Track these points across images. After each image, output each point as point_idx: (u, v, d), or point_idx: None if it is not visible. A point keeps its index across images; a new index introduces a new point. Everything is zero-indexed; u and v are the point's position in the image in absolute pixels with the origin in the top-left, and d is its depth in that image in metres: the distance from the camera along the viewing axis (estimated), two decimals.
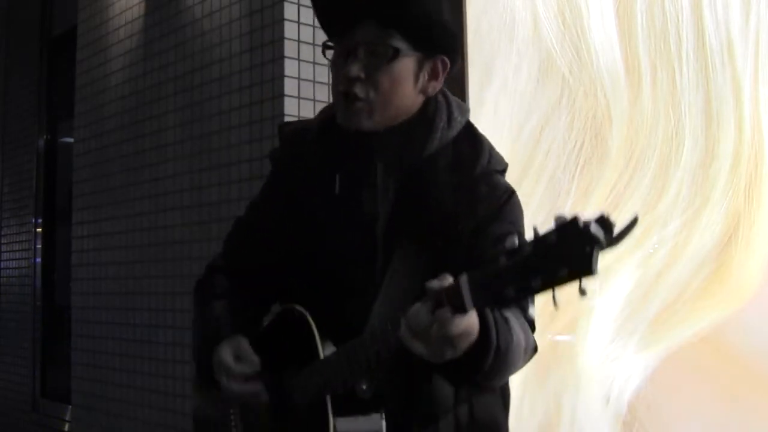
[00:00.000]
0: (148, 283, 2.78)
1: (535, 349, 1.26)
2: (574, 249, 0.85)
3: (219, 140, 2.50)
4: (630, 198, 1.88)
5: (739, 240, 1.74)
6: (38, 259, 4.29)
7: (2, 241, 4.63)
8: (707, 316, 1.78)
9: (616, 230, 0.86)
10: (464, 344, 1.02)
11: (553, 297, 0.89)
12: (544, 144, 2.04)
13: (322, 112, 1.42)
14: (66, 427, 3.62)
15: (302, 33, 2.27)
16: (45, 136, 4.36)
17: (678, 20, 1.82)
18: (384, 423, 1.23)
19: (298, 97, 2.29)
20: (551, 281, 0.88)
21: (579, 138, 1.98)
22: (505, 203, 1.29)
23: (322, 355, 1.24)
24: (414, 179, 1.29)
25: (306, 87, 2.30)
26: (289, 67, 2.27)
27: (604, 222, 0.85)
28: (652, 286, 1.84)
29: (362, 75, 1.24)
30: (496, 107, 2.16)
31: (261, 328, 1.41)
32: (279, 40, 2.28)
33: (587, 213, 0.85)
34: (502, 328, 1.11)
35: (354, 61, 1.24)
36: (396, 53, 1.25)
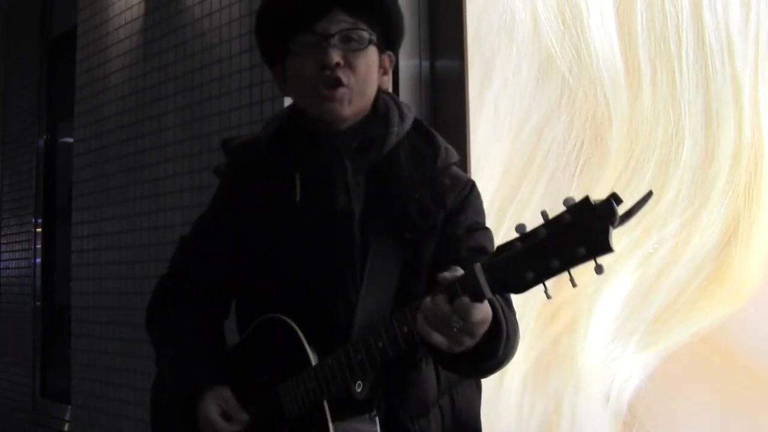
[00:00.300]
0: (148, 283, 2.78)
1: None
2: (589, 228, 0.88)
3: (219, 140, 2.50)
4: (630, 198, 1.87)
5: (739, 240, 1.74)
6: (38, 259, 4.29)
7: (2, 241, 4.63)
8: (707, 316, 1.78)
9: (628, 206, 0.90)
10: (481, 331, 1.04)
11: (570, 277, 0.92)
12: (544, 144, 2.04)
13: (268, 124, 1.41)
14: (66, 427, 3.62)
15: None
16: (45, 136, 4.36)
17: (678, 20, 1.82)
18: (378, 422, 1.24)
19: None
20: (570, 261, 0.90)
21: (579, 138, 1.98)
22: (468, 194, 1.32)
23: (314, 362, 1.22)
24: (379, 176, 1.30)
25: None
26: None
27: (615, 199, 0.89)
28: (652, 286, 1.84)
29: (342, 61, 1.25)
30: (496, 107, 2.16)
31: (240, 340, 1.39)
32: None
33: (594, 194, 0.88)
34: (507, 313, 1.14)
35: (331, 48, 1.24)
36: (371, 39, 1.27)
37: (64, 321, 3.59)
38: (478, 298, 0.98)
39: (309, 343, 1.24)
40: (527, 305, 2.01)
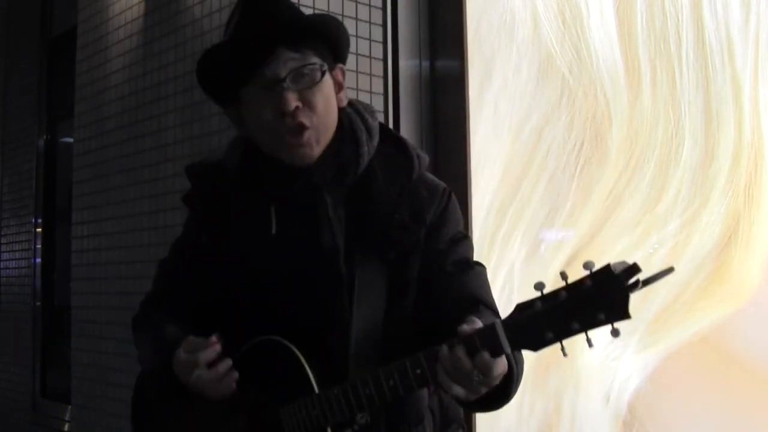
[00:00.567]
0: (148, 283, 2.78)
1: None
2: (610, 295, 0.95)
3: (219, 140, 2.50)
4: (630, 198, 1.88)
5: (739, 240, 1.74)
6: (38, 259, 4.29)
7: (2, 241, 4.63)
8: (707, 316, 1.78)
9: (649, 275, 0.95)
10: (498, 381, 1.07)
11: (588, 338, 0.98)
12: (544, 144, 2.04)
13: (232, 150, 1.36)
14: (66, 427, 3.62)
15: None
16: (45, 136, 4.36)
17: (678, 20, 1.82)
18: None
19: None
20: (589, 325, 0.96)
21: (579, 138, 1.98)
22: (447, 204, 1.33)
23: (317, 389, 1.22)
24: (357, 200, 1.29)
25: None
26: None
27: (634, 269, 0.94)
28: (652, 286, 1.84)
29: (300, 104, 1.21)
30: (496, 107, 2.16)
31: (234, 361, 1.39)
32: None
33: (613, 259, 0.93)
34: (519, 357, 1.16)
35: (285, 92, 1.20)
36: (323, 71, 1.23)
37: (64, 321, 3.59)
38: (497, 353, 1.02)
39: (311, 370, 1.23)
40: None
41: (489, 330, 1.02)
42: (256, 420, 1.29)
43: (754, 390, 1.74)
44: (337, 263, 1.26)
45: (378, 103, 2.27)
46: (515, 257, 2.02)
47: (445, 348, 1.05)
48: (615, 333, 0.95)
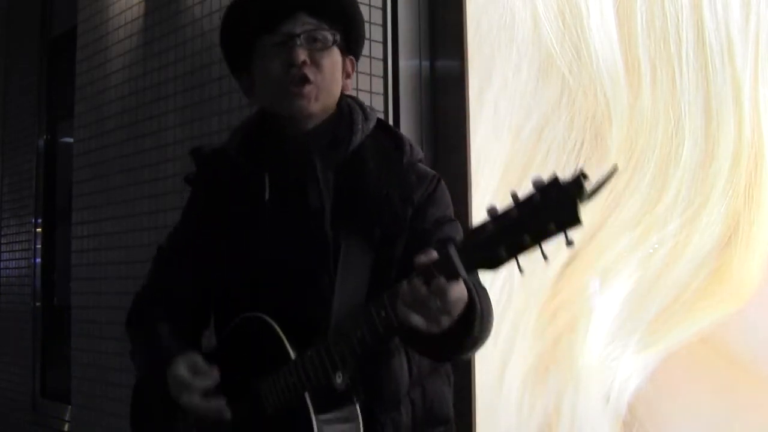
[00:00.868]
0: None
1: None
2: (558, 204, 0.92)
3: (219, 140, 2.50)
4: (630, 198, 1.88)
5: (739, 240, 1.74)
6: (38, 259, 4.29)
7: (2, 241, 4.63)
8: (707, 316, 1.78)
9: (595, 182, 0.94)
10: (458, 310, 1.07)
11: (542, 251, 0.96)
12: (544, 144, 2.04)
13: (234, 133, 1.44)
14: (66, 427, 3.62)
15: None
16: (45, 136, 4.36)
17: (678, 20, 1.82)
18: (360, 413, 1.25)
19: None
20: (541, 236, 0.94)
21: (579, 138, 1.98)
22: (435, 188, 1.35)
23: (293, 356, 1.23)
24: (347, 173, 1.33)
25: None
26: None
27: (582, 176, 0.92)
28: (652, 286, 1.84)
29: (308, 59, 1.29)
30: (496, 107, 2.16)
31: (217, 342, 1.41)
32: None
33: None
34: (482, 293, 1.17)
35: (297, 47, 1.29)
36: (335, 39, 1.33)
37: (64, 321, 3.59)
38: (453, 276, 1.02)
39: (289, 340, 1.25)
40: (527, 305, 2.02)
41: (443, 255, 1.02)
42: (238, 398, 1.30)
43: (754, 390, 1.74)
44: (321, 222, 1.30)
45: (378, 103, 2.27)
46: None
47: (404, 283, 1.06)
48: (569, 243, 0.93)
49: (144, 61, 2.91)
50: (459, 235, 1.33)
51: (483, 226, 0.99)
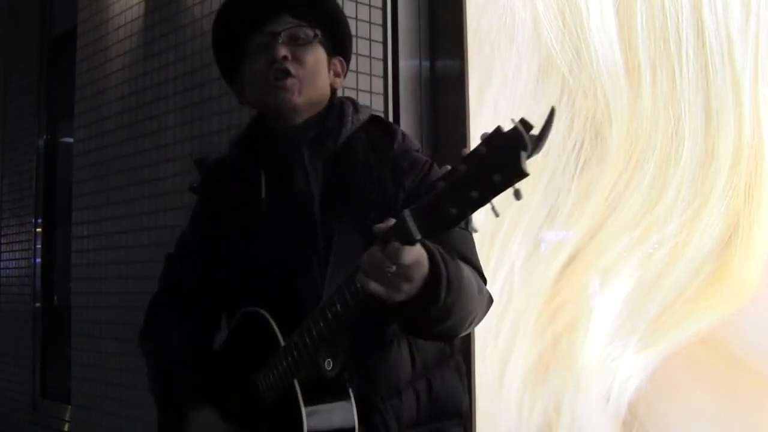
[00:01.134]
0: (148, 283, 2.77)
1: (491, 300, 1.31)
2: (502, 155, 0.88)
3: (219, 140, 2.50)
4: (630, 198, 1.88)
5: (739, 240, 1.74)
6: (38, 259, 4.29)
7: (2, 241, 4.63)
8: (707, 316, 1.78)
9: (536, 130, 0.89)
10: (417, 275, 1.05)
11: (492, 207, 0.92)
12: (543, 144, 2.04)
13: (232, 142, 1.50)
14: (66, 427, 3.62)
15: None
16: (45, 136, 4.36)
17: (678, 20, 1.82)
18: (354, 404, 1.25)
19: None
20: (488, 190, 0.90)
21: (579, 138, 1.98)
22: (428, 173, 1.36)
23: (282, 343, 1.25)
24: (337, 163, 1.36)
25: None
26: None
27: (524, 124, 0.88)
28: (652, 286, 1.84)
29: (289, 55, 1.35)
30: (496, 107, 2.16)
31: (222, 339, 1.44)
32: None
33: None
34: (450, 261, 1.13)
35: (279, 44, 1.35)
36: (316, 35, 1.38)
37: (64, 321, 3.59)
38: (410, 241, 1.00)
39: (281, 329, 1.27)
40: (527, 305, 2.02)
41: (399, 222, 1.00)
42: (240, 393, 1.31)
43: (754, 390, 1.74)
44: (310, 208, 1.33)
45: (378, 103, 2.27)
46: (515, 257, 2.02)
47: (365, 254, 1.05)
48: (517, 195, 0.89)
49: (144, 61, 2.91)
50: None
51: (433, 185, 0.96)
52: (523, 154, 0.87)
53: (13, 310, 4.42)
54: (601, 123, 1.95)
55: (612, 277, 1.88)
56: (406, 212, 0.99)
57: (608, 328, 1.91)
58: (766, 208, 1.72)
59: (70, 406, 3.38)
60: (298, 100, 1.36)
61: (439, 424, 1.36)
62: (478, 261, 1.34)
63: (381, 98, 2.29)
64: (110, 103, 3.11)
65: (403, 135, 1.41)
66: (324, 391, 1.24)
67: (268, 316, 1.29)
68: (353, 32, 2.31)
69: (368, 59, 2.28)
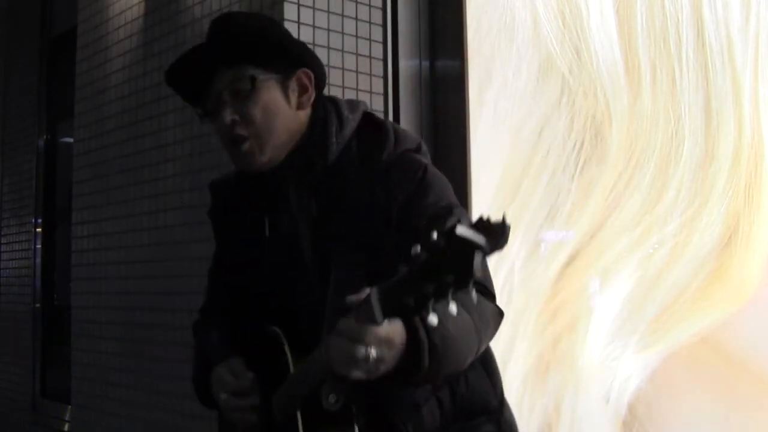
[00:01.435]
0: (148, 283, 2.78)
1: (501, 314, 1.27)
2: (457, 254, 0.82)
3: (219, 140, 2.50)
4: (630, 198, 1.88)
5: (739, 240, 1.74)
6: (38, 259, 4.29)
7: (2, 241, 4.63)
8: (707, 316, 1.78)
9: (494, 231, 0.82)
10: (389, 354, 1.02)
11: (449, 302, 0.86)
12: (544, 144, 2.04)
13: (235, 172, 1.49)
14: (66, 427, 3.62)
15: (302, 33, 2.27)
16: (45, 136, 4.35)
17: (678, 20, 1.82)
18: None
19: None
20: (442, 288, 0.85)
21: (579, 138, 1.98)
22: (423, 178, 1.28)
23: (292, 369, 1.26)
24: (327, 188, 1.31)
25: None
26: None
27: (481, 225, 0.81)
28: (652, 286, 1.84)
29: (236, 117, 1.30)
30: (496, 107, 2.16)
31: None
32: None
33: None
34: (451, 320, 1.06)
35: (223, 108, 1.30)
36: (253, 81, 1.29)
37: (64, 321, 3.59)
38: (372, 322, 0.96)
39: (297, 356, 1.26)
40: (527, 305, 2.02)
41: (365, 300, 0.96)
42: (263, 414, 1.31)
43: (754, 390, 1.74)
44: (297, 247, 1.31)
45: (378, 103, 2.27)
46: (515, 257, 2.02)
47: (331, 339, 1.04)
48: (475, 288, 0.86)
49: (144, 61, 2.91)
50: (465, 220, 1.26)
51: (399, 268, 0.90)
52: (477, 258, 0.81)
53: (13, 310, 4.42)
54: (601, 123, 1.95)
55: (612, 277, 1.89)
56: (374, 291, 0.95)
57: (608, 328, 1.91)
58: (766, 208, 1.72)
59: (70, 406, 3.38)
60: (263, 158, 1.31)
61: (467, 423, 1.32)
62: (488, 277, 1.28)
63: (381, 98, 2.29)
64: (110, 103, 3.11)
65: (396, 135, 1.34)
66: (327, 423, 1.21)
67: (284, 340, 1.28)
68: (353, 32, 2.32)
69: (368, 59, 2.28)
